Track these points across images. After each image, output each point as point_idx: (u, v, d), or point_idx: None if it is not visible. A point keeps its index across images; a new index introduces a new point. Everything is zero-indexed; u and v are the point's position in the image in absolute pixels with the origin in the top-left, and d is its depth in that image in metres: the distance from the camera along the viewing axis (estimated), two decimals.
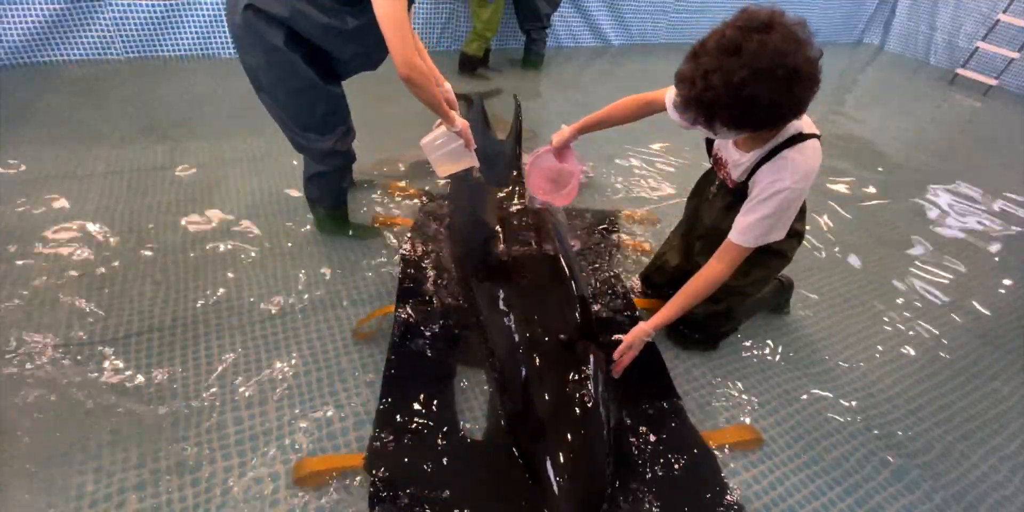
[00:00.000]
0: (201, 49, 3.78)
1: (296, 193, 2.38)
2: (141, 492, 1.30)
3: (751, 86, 1.07)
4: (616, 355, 1.58)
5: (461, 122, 1.75)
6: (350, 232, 2.18)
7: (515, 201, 2.08)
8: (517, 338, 1.57)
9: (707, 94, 1.11)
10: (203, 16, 3.66)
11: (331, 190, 2.01)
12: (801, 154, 1.33)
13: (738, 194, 1.55)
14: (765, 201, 1.37)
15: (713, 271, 1.49)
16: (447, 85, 1.90)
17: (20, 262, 1.89)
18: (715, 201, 1.69)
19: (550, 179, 1.89)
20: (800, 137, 1.34)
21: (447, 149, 1.84)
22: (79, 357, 1.60)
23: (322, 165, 1.92)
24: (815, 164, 1.35)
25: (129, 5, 3.41)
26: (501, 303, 1.69)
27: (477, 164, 1.93)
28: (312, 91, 1.70)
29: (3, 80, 3.08)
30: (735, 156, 1.48)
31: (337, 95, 1.80)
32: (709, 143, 1.62)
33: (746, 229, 1.42)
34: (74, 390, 1.50)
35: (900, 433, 1.71)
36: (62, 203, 2.19)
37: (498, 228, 1.91)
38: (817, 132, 1.37)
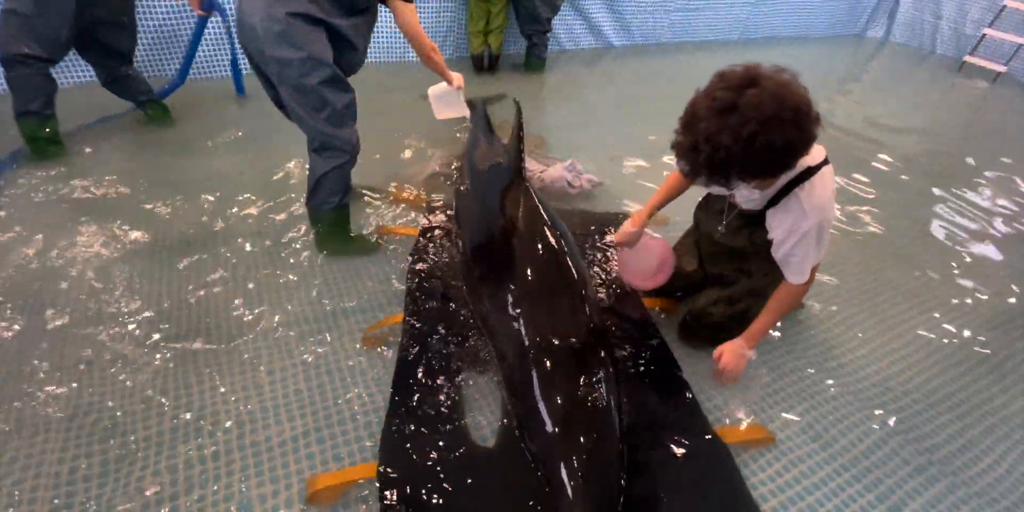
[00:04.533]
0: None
1: (299, 210, 2.39)
2: (147, 511, 1.31)
3: (763, 136, 1.08)
4: (718, 369, 1.62)
5: (457, 77, 2.55)
6: (353, 247, 2.19)
7: (520, 204, 2.08)
8: (527, 342, 1.57)
9: (718, 155, 1.11)
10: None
11: (341, 186, 2.08)
12: (813, 189, 1.35)
13: (749, 218, 1.57)
14: (799, 244, 1.40)
15: (792, 289, 1.53)
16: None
17: None
18: (723, 220, 1.69)
19: (646, 269, 1.89)
20: (808, 172, 1.36)
21: (446, 99, 2.66)
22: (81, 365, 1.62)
23: (338, 157, 2.01)
24: (829, 187, 1.37)
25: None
26: (510, 307, 1.69)
27: (467, 113, 2.74)
28: (339, 82, 1.93)
29: None
30: (745, 192, 1.50)
31: (352, 89, 2.00)
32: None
33: (796, 270, 1.47)
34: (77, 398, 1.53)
35: (920, 427, 1.69)
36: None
37: (505, 232, 1.92)
38: (823, 159, 1.39)
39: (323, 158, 2.01)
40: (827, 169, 1.39)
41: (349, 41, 1.94)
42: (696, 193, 1.84)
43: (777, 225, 1.43)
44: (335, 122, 1.96)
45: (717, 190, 1.32)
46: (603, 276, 2.08)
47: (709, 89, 1.14)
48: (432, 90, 2.65)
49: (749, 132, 1.07)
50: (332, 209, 2.11)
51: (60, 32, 2.46)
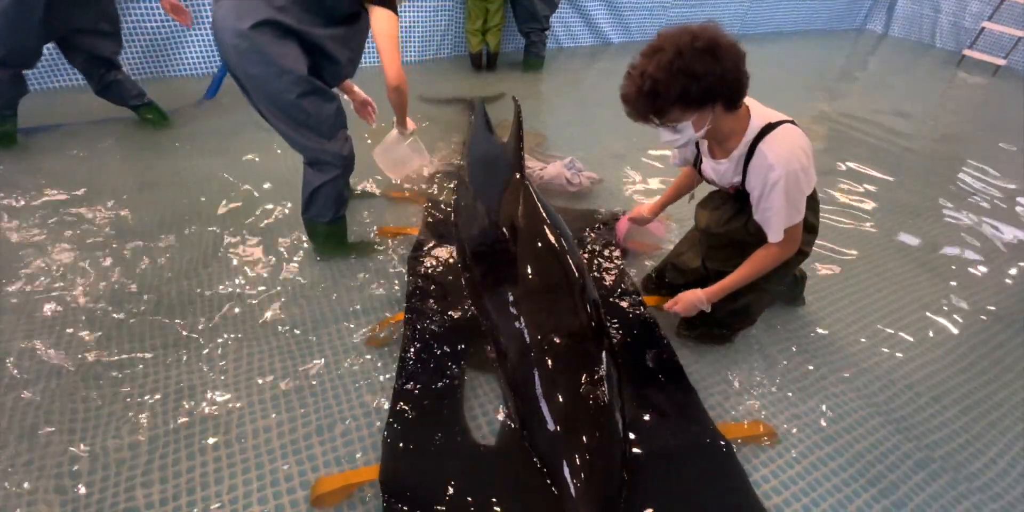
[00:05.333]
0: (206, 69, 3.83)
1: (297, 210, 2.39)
2: (150, 511, 1.32)
3: (678, 62, 1.22)
4: (667, 306, 1.73)
5: (411, 124, 2.26)
6: (352, 256, 2.17)
7: (520, 203, 2.08)
8: (528, 340, 1.58)
9: (646, 83, 1.25)
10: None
11: (335, 199, 2.02)
12: (775, 141, 1.39)
13: (740, 205, 1.60)
14: (769, 195, 1.41)
15: (771, 251, 1.54)
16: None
17: None
18: (720, 209, 1.69)
19: (637, 231, 2.27)
20: (769, 127, 1.40)
21: (396, 153, 2.35)
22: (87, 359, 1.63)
23: (330, 171, 1.94)
24: (797, 142, 1.39)
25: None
26: (511, 305, 1.69)
27: (427, 159, 2.46)
28: (320, 92, 1.80)
29: None
30: (715, 166, 1.55)
31: (336, 97, 1.89)
32: (698, 166, 1.67)
33: (772, 226, 1.47)
34: (84, 394, 1.54)
35: (923, 423, 1.69)
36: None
37: (505, 231, 1.92)
38: (786, 118, 1.44)
39: (315, 171, 1.95)
40: (789, 126, 1.41)
41: (328, 53, 1.80)
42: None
43: (752, 186, 1.46)
44: (321, 134, 1.86)
45: (668, 138, 1.39)
46: (604, 273, 2.08)
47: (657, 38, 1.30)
48: (378, 150, 2.39)
49: (667, 60, 1.23)
50: (327, 223, 2.07)
51: (26, 40, 2.50)
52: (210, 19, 3.44)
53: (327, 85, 1.85)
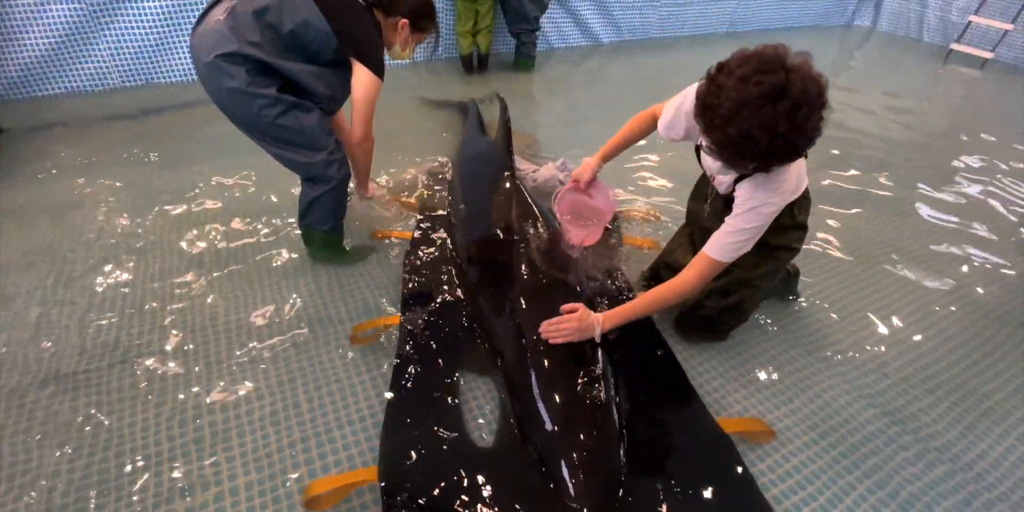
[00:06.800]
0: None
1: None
2: None
3: (812, 121, 1.10)
4: (549, 325, 1.53)
5: (372, 187, 2.31)
6: (347, 262, 2.16)
7: (513, 204, 2.09)
8: (524, 340, 1.58)
9: (776, 142, 1.10)
10: None
11: (333, 210, 2.00)
12: (776, 174, 1.33)
13: (729, 201, 1.57)
14: (741, 216, 1.39)
15: (685, 282, 1.48)
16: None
17: None
18: (712, 205, 1.70)
19: (580, 217, 1.92)
20: None
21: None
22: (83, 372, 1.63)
23: (327, 182, 1.91)
24: (792, 183, 1.38)
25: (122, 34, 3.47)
26: (506, 306, 1.70)
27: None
28: (297, 107, 1.74)
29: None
30: (720, 176, 1.52)
31: (315, 107, 1.81)
32: (697, 152, 1.63)
33: (722, 244, 1.42)
34: (79, 404, 1.54)
35: (918, 414, 1.70)
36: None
37: (499, 231, 1.93)
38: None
39: (312, 184, 1.93)
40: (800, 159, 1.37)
41: (302, 85, 1.73)
42: (683, 186, 1.85)
43: (740, 194, 1.40)
44: (309, 147, 1.82)
45: (710, 168, 1.32)
46: (597, 272, 2.09)
47: (743, 74, 1.09)
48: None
49: (803, 117, 1.08)
50: (325, 231, 2.06)
51: None
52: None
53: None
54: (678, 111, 1.51)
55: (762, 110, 1.07)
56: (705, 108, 1.15)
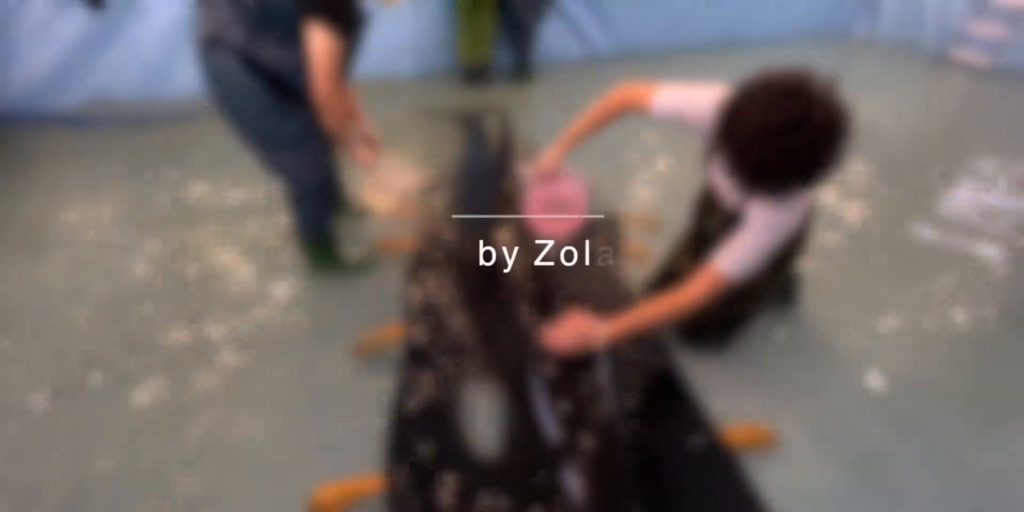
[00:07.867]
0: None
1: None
2: None
3: (834, 152, 1.10)
4: (550, 334, 1.52)
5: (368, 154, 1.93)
6: (348, 272, 2.16)
7: (515, 213, 2.10)
8: (527, 348, 1.58)
9: (793, 170, 1.11)
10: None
11: (309, 218, 1.95)
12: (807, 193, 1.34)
13: (737, 213, 1.56)
14: (760, 234, 1.36)
15: (689, 298, 1.43)
16: (365, 123, 1.99)
17: None
18: (719, 217, 1.70)
19: (553, 209, 1.84)
20: None
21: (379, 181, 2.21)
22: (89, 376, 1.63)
23: (306, 186, 1.88)
24: (808, 201, 1.39)
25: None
26: (508, 314, 1.70)
27: (411, 176, 2.30)
28: (282, 106, 1.67)
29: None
30: (727, 188, 1.51)
31: (302, 112, 1.71)
32: (706, 162, 1.63)
33: (738, 259, 1.38)
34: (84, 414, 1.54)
35: (926, 419, 1.69)
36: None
37: (501, 241, 1.93)
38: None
39: (294, 188, 1.90)
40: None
41: (285, 83, 1.62)
42: (684, 190, 1.85)
43: (755, 212, 1.36)
44: (291, 147, 1.77)
45: (721, 187, 1.31)
46: (597, 278, 2.09)
47: (765, 101, 1.09)
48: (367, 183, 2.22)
49: (822, 147, 1.08)
50: (313, 236, 2.04)
51: None
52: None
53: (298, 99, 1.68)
54: (679, 112, 1.46)
55: (781, 140, 1.07)
56: (726, 132, 1.15)
